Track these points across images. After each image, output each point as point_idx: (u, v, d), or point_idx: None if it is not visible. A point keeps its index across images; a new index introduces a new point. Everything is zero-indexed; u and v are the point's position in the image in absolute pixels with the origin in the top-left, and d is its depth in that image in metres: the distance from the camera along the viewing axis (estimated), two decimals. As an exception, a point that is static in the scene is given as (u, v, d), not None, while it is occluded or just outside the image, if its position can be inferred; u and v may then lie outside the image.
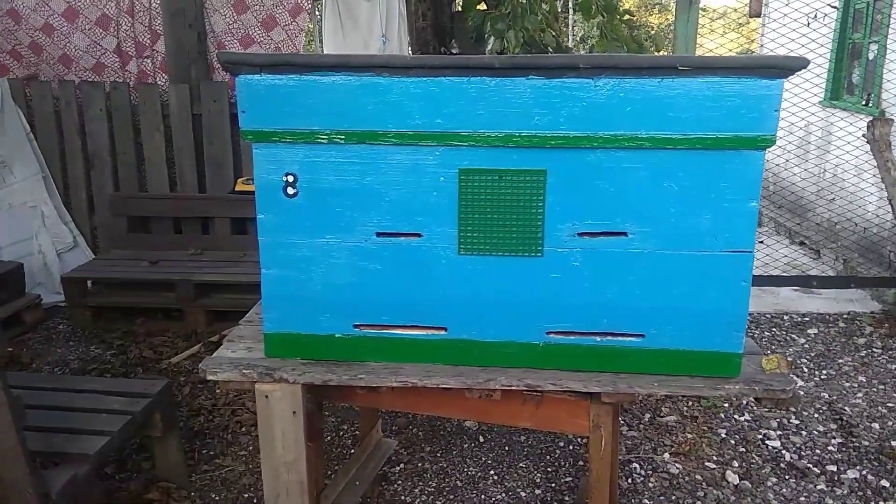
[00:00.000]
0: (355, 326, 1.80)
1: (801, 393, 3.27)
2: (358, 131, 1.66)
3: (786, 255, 4.95)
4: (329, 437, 2.99)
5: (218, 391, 3.25)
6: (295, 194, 1.72)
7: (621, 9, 3.85)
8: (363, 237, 1.74)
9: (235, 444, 2.95)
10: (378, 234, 1.74)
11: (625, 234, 1.69)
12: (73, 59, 4.86)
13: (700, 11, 3.90)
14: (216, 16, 4.77)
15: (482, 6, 3.90)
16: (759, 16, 5.00)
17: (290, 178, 1.71)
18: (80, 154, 4.70)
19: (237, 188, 4.48)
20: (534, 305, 1.75)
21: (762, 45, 7.52)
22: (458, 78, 1.61)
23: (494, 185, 1.68)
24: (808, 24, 5.66)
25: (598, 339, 1.76)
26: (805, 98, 5.03)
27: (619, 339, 1.76)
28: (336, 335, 1.81)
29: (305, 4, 4.80)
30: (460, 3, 4.22)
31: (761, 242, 5.36)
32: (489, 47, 3.92)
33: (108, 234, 4.66)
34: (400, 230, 1.73)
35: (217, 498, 2.62)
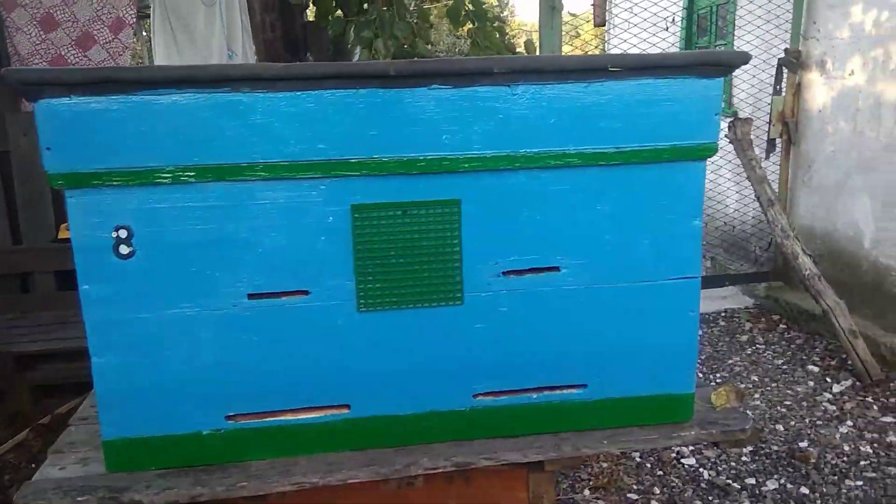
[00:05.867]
0: (228, 418, 1.39)
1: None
2: (213, 166, 1.25)
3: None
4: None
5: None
6: (131, 254, 1.28)
7: (490, 15, 3.63)
8: (231, 302, 1.34)
9: (81, 556, 2.36)
10: (250, 296, 1.34)
11: (556, 268, 1.41)
12: None
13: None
14: (20, 35, 4.04)
15: (339, 14, 3.52)
16: (604, 24, 5.02)
17: (123, 234, 1.27)
18: None
19: (61, 236, 3.78)
20: (456, 365, 1.42)
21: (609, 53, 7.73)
22: (343, 91, 1.26)
23: (397, 223, 1.34)
24: (668, 27, 5.81)
25: (535, 395, 1.47)
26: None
27: (559, 392, 1.48)
28: (203, 432, 1.39)
29: (129, 18, 4.19)
30: (313, 13, 3.81)
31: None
32: (356, 58, 3.56)
33: None
34: (280, 288, 1.35)
35: None
